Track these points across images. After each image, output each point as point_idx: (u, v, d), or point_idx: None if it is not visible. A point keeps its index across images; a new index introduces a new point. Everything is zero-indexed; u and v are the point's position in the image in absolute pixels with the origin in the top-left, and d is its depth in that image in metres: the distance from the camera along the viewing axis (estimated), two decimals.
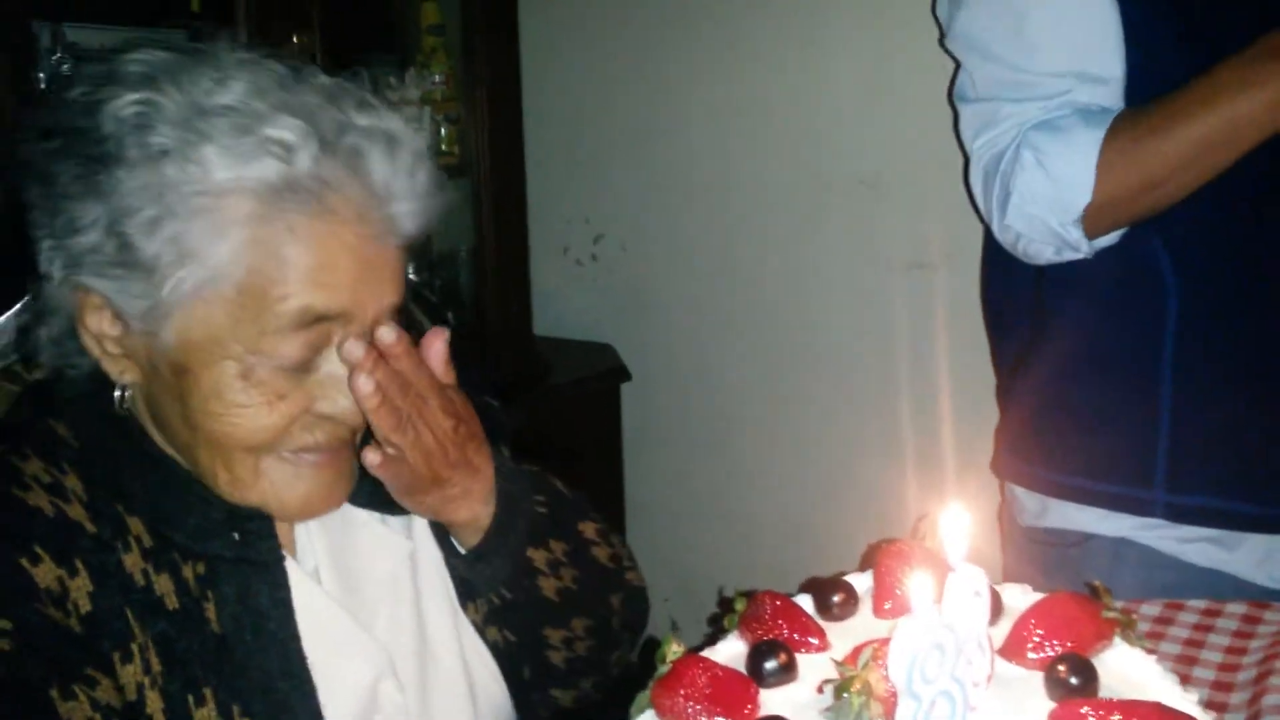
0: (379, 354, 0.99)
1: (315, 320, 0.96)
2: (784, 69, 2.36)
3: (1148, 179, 1.28)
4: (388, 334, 0.99)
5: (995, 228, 1.43)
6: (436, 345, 1.05)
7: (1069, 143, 1.31)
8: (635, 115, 2.61)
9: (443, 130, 2.54)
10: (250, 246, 0.93)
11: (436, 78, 2.54)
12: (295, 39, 2.14)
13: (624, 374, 2.71)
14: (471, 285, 2.62)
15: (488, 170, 2.54)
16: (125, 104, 0.93)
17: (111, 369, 1.00)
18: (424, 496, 1.06)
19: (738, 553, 2.62)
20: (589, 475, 2.57)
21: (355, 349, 0.97)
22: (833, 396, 2.42)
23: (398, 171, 0.98)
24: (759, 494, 2.58)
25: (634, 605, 1.26)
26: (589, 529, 1.22)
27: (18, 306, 1.26)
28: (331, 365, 0.99)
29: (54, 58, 2.02)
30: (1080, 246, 1.36)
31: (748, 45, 2.40)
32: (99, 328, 0.98)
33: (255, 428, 0.97)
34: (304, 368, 0.98)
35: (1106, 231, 1.36)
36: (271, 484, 1.01)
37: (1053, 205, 1.33)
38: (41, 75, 2.04)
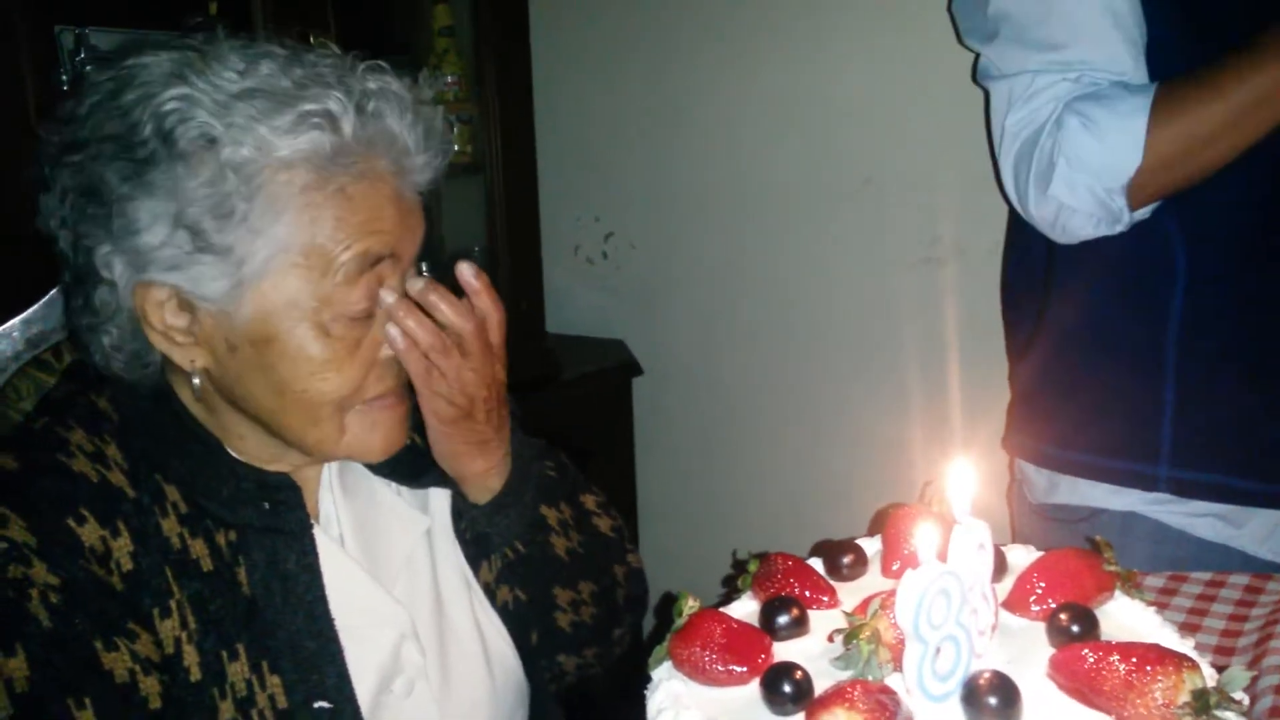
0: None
1: (373, 263, 1.02)
2: (792, 69, 2.39)
3: (1197, 140, 1.30)
4: (415, 284, 1.06)
5: (1031, 203, 1.42)
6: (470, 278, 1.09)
7: (1116, 109, 1.32)
8: (645, 115, 2.65)
9: (455, 130, 2.58)
10: (309, 211, 0.98)
11: (449, 79, 2.59)
12: (311, 40, 2.18)
13: (636, 369, 2.74)
14: None
15: (500, 170, 2.58)
16: (163, 101, 0.96)
17: (181, 359, 1.03)
18: (454, 428, 1.10)
19: (749, 545, 2.63)
20: (601, 469, 2.60)
21: (386, 296, 1.04)
22: (843, 389, 2.45)
23: (412, 127, 1.04)
24: (770, 487, 2.60)
25: (635, 583, 1.31)
26: (590, 501, 1.30)
27: (32, 309, 1.30)
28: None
29: (77, 60, 2.07)
30: (1122, 217, 1.37)
31: (756, 45, 2.43)
32: (166, 321, 1.01)
33: (341, 381, 1.03)
34: (367, 315, 1.04)
35: (1150, 200, 1.37)
36: (354, 435, 1.06)
37: (1101, 171, 1.33)
38: (65, 77, 2.09)
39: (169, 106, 0.96)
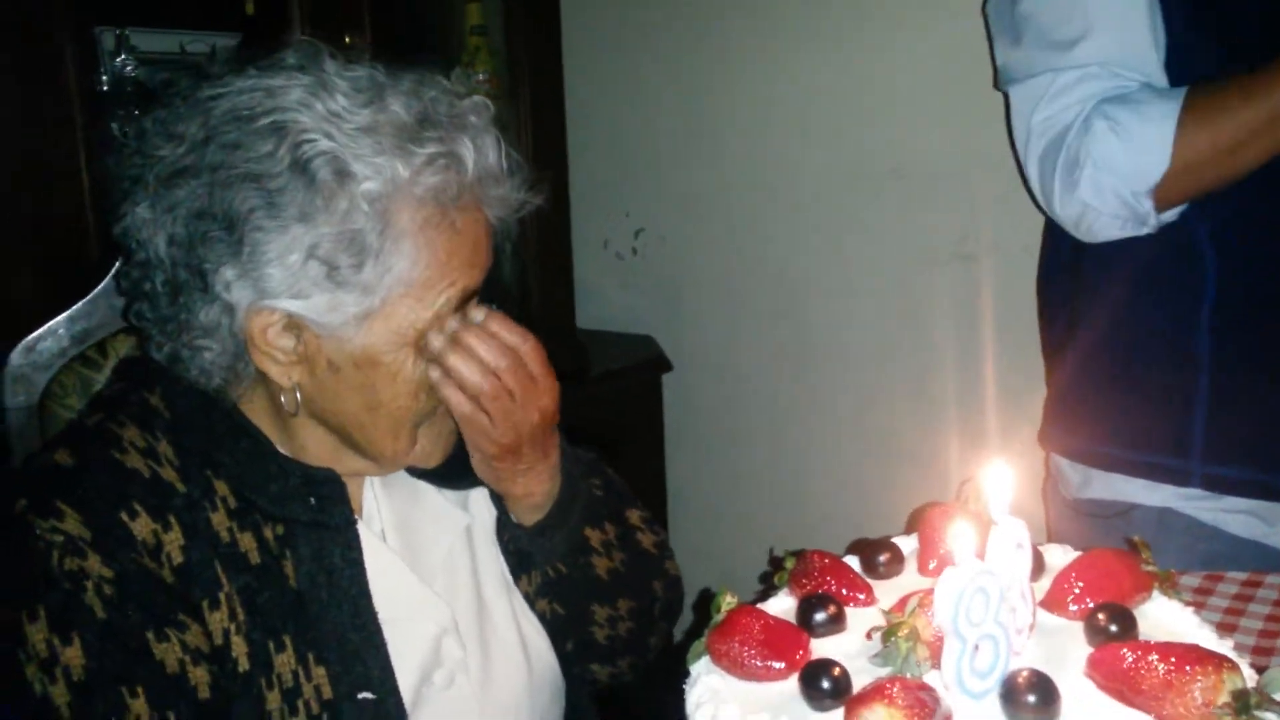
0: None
1: (470, 296, 1.06)
2: (821, 64, 2.39)
3: (1225, 146, 1.30)
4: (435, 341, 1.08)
5: (1056, 204, 1.42)
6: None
7: (1145, 113, 1.32)
8: (675, 111, 2.66)
9: None
10: (427, 247, 1.01)
11: (480, 76, 2.60)
12: (347, 40, 2.21)
13: (665, 365, 2.75)
14: (515, 279, 2.68)
15: (530, 166, 2.59)
16: (299, 131, 0.97)
17: (279, 375, 1.05)
18: (498, 464, 1.13)
19: (779, 541, 2.64)
20: (631, 465, 2.60)
21: (434, 340, 1.06)
22: (874, 385, 2.45)
23: (502, 157, 1.07)
24: (800, 483, 2.60)
25: (672, 593, 1.33)
26: (634, 516, 1.30)
27: (77, 306, 1.32)
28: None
29: (117, 60, 2.10)
30: (1148, 219, 1.37)
31: (785, 41, 2.43)
32: (270, 341, 1.03)
33: (429, 398, 1.08)
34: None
35: (1176, 203, 1.37)
36: (422, 446, 1.12)
37: (1128, 174, 1.33)
38: (105, 78, 2.12)
39: (306, 137, 0.97)
